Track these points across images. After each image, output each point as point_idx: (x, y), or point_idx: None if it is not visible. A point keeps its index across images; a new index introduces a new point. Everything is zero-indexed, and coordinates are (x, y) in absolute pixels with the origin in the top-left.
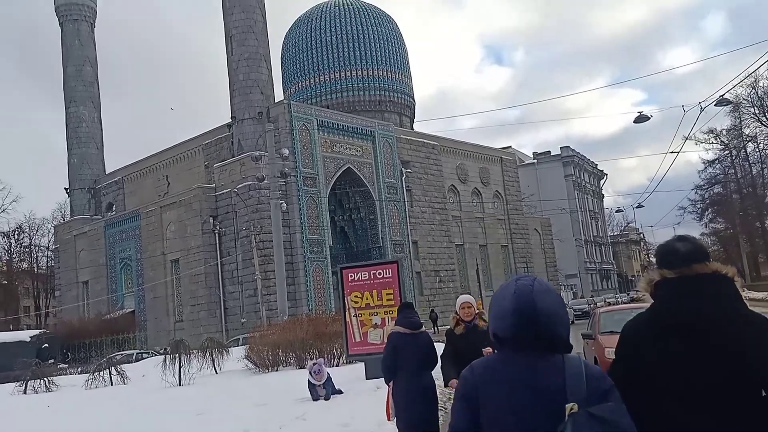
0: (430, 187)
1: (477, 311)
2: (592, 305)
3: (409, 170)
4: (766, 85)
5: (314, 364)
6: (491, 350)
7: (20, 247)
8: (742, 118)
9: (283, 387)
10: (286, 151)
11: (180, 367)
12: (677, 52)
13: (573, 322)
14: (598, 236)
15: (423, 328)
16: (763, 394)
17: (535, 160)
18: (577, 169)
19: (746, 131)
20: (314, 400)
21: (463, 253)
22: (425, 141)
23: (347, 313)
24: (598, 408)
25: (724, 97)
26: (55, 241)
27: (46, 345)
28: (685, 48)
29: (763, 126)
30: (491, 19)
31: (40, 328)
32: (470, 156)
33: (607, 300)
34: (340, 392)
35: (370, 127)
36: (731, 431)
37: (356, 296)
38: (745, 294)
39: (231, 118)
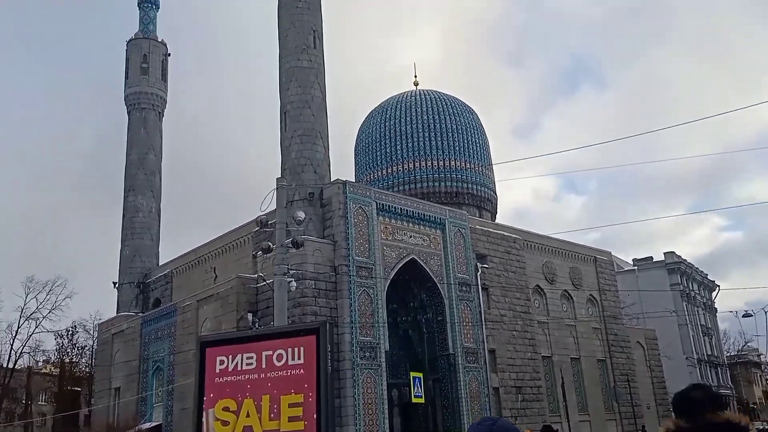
0: (510, 286)
1: None
2: None
3: (485, 265)
4: None
5: None
6: None
7: (75, 348)
8: None
9: None
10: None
11: None
12: (753, 181)
13: None
14: (712, 355)
15: None
16: None
17: (635, 267)
18: (685, 278)
19: None
20: None
21: (551, 366)
22: (505, 234)
23: None
24: None
25: None
26: (97, 341)
27: None
28: (761, 177)
29: None
30: (565, 153)
31: None
32: (558, 254)
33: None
34: None
35: (440, 214)
36: None
37: (226, 408)
38: None
39: None
